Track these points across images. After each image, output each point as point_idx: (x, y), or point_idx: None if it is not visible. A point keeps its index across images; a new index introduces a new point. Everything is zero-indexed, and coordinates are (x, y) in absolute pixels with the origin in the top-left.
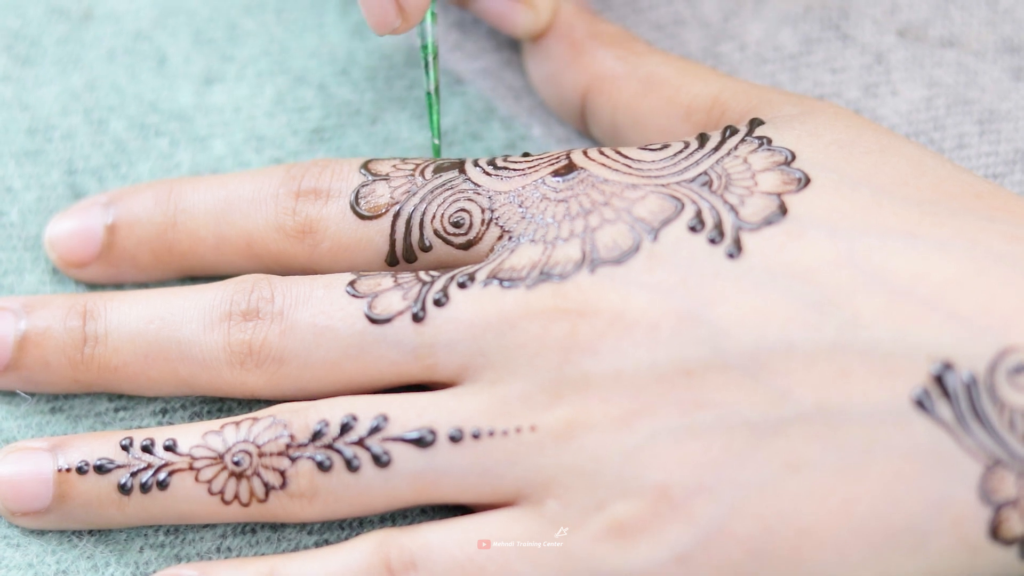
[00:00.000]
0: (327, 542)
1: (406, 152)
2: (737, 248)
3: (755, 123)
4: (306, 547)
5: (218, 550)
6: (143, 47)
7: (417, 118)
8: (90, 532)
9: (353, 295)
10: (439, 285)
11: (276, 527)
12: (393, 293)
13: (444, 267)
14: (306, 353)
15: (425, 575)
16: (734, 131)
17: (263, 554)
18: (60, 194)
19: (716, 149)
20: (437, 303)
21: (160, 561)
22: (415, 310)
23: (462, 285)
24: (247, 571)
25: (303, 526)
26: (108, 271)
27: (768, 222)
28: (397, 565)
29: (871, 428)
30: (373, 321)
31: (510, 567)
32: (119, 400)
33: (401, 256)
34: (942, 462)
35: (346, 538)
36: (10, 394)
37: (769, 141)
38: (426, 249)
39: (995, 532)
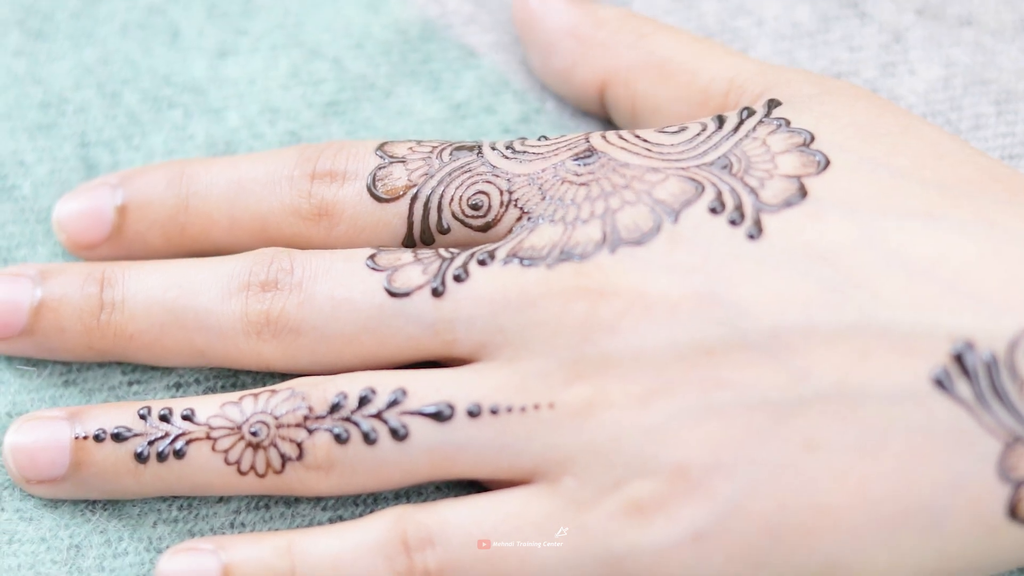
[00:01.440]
0: (341, 519)
1: (420, 126)
2: (758, 229)
3: (772, 104)
4: (320, 523)
5: (232, 525)
6: (156, 21)
7: (431, 91)
8: (103, 507)
9: (373, 268)
10: (459, 261)
11: (290, 503)
12: (413, 267)
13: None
14: (324, 324)
15: (442, 551)
16: (751, 112)
17: (277, 530)
18: (72, 167)
19: (735, 131)
20: (457, 279)
21: (173, 536)
22: (435, 285)
23: (482, 262)
24: (264, 546)
25: (317, 502)
26: (118, 253)
27: (788, 204)
28: (414, 541)
29: (890, 407)
30: (392, 295)
31: (526, 543)
32: (132, 374)
33: (419, 238)
34: (961, 440)
35: (360, 515)
36: (23, 368)
37: (787, 122)
38: (444, 231)
39: (1013, 511)
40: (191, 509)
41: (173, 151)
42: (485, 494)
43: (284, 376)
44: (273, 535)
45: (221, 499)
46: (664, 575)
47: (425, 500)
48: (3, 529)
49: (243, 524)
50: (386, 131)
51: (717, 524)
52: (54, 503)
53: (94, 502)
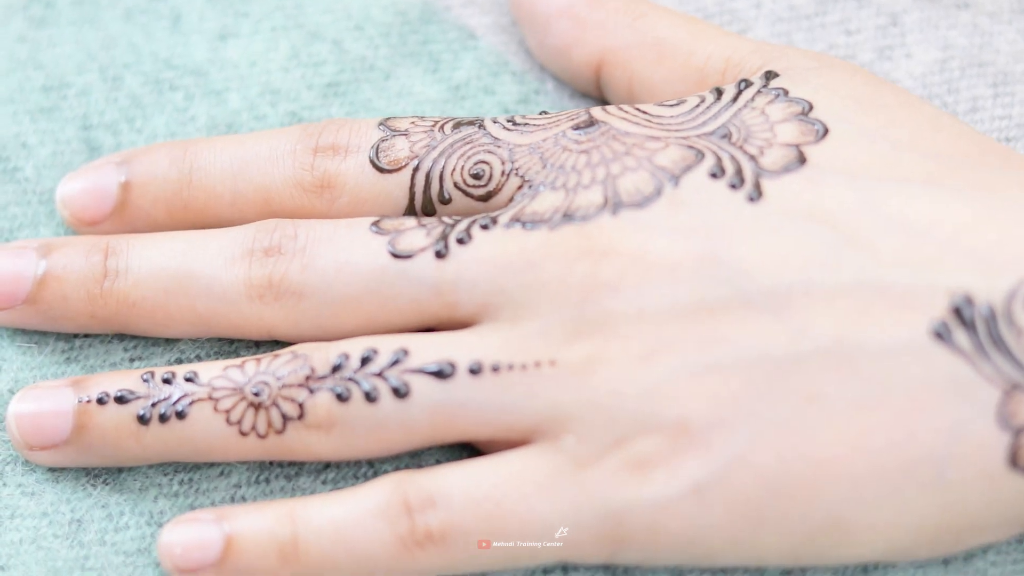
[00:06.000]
0: None
1: (419, 107)
2: (757, 192)
3: (770, 75)
4: None
5: (232, 499)
6: (158, 6)
7: (431, 73)
8: (104, 481)
9: (377, 232)
10: (462, 226)
11: (290, 477)
12: (416, 232)
13: None
14: (326, 287)
15: (444, 512)
16: (748, 83)
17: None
18: (75, 149)
19: (733, 101)
20: (460, 242)
21: (174, 510)
22: (438, 247)
23: (484, 226)
24: (266, 514)
25: (317, 476)
26: (122, 229)
27: (787, 170)
28: (415, 503)
29: (889, 361)
30: (395, 256)
31: (527, 501)
32: (134, 350)
33: (420, 209)
34: (960, 390)
35: None
36: (25, 344)
37: (786, 92)
38: (445, 201)
39: (1014, 459)
40: (191, 483)
41: (175, 133)
42: (485, 456)
43: (286, 347)
44: (275, 503)
45: (221, 473)
46: (664, 529)
47: None
48: (5, 504)
49: (243, 498)
50: (386, 112)
51: (717, 478)
52: (55, 478)
53: (95, 476)
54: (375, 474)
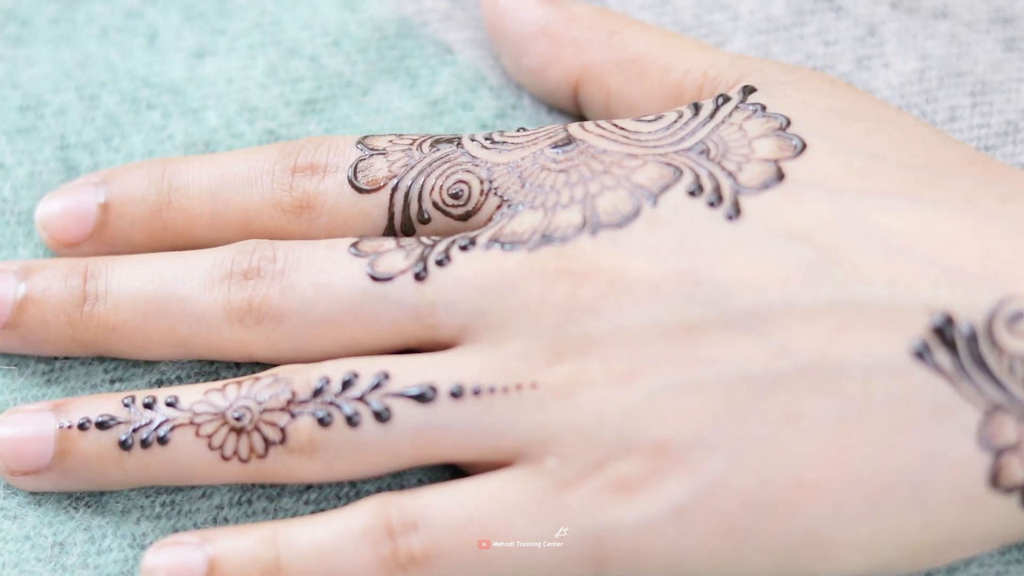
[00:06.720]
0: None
1: (397, 122)
2: (736, 210)
3: (747, 90)
4: None
5: (215, 521)
6: (134, 24)
7: (408, 88)
8: (87, 504)
9: (356, 255)
10: (441, 247)
11: (272, 498)
12: (395, 253)
13: None
14: (306, 310)
15: (426, 535)
16: (727, 99)
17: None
18: (53, 168)
19: (711, 117)
20: (439, 263)
21: (157, 532)
22: (417, 270)
23: (463, 247)
24: (249, 537)
25: (299, 497)
26: (101, 250)
27: (766, 186)
28: (398, 526)
29: (870, 380)
30: (375, 279)
31: (509, 524)
32: (115, 371)
33: (399, 229)
34: (940, 410)
35: None
36: (5, 367)
37: (763, 107)
38: (424, 221)
39: (995, 479)
40: (174, 505)
41: (152, 152)
42: (468, 478)
43: (267, 367)
44: (257, 526)
45: (204, 495)
46: (646, 551)
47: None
48: None
49: (226, 519)
50: (364, 128)
51: (698, 499)
52: (37, 501)
53: (77, 499)
54: (358, 494)
